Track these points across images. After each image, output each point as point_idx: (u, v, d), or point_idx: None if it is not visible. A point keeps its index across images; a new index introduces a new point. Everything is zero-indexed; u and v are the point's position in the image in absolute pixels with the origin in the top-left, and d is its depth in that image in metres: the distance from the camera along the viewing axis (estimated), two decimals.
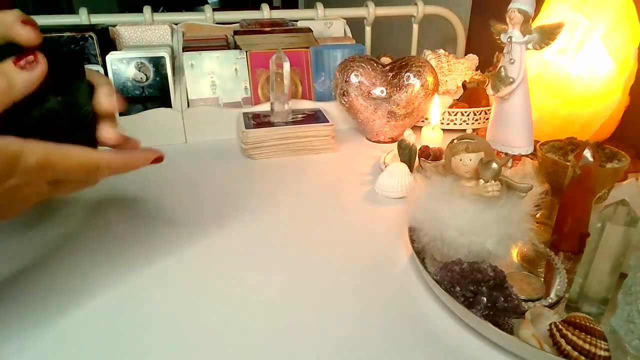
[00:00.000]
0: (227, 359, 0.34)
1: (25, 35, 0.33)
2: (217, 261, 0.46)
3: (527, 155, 0.59)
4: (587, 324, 0.33)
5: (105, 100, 0.38)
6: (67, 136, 0.35)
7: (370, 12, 0.97)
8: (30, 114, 0.34)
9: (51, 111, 0.35)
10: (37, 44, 0.34)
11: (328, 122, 0.72)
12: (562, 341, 0.32)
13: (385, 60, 0.82)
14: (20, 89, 0.33)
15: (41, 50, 0.34)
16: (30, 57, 0.33)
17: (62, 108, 0.36)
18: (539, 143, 0.55)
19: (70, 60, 0.37)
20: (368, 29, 0.99)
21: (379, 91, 0.72)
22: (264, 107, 0.78)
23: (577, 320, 0.33)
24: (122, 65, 0.74)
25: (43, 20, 0.85)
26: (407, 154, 0.62)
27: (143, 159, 0.40)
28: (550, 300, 0.39)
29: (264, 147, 0.71)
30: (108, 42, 0.80)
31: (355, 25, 0.99)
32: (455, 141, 0.41)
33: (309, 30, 0.83)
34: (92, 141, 0.38)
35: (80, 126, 0.37)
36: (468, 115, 0.79)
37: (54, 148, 0.34)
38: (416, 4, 0.99)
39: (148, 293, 0.42)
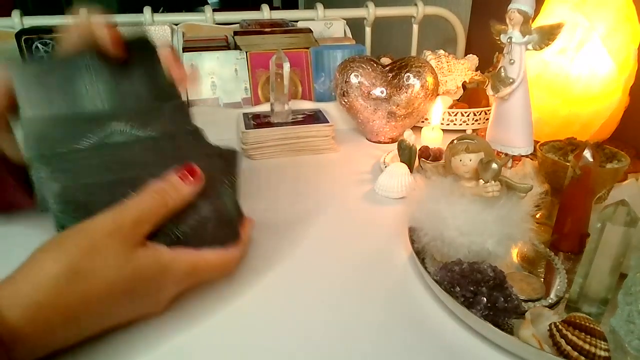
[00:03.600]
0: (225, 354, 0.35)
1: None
2: None
3: (527, 156, 0.59)
4: (587, 324, 0.33)
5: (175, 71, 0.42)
6: (215, 239, 0.38)
7: (370, 12, 0.97)
8: (187, 222, 0.36)
9: (204, 218, 0.37)
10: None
11: (328, 122, 0.72)
12: (562, 341, 0.32)
13: (385, 60, 0.82)
14: (185, 201, 0.36)
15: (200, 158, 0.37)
16: (194, 173, 0.36)
17: (213, 214, 0.38)
18: (539, 143, 0.55)
19: (222, 168, 0.39)
20: (368, 29, 0.99)
21: (379, 91, 0.73)
22: (264, 108, 0.78)
23: (577, 321, 0.33)
24: None
25: (43, 20, 0.85)
26: (407, 154, 0.62)
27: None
28: (550, 301, 0.39)
29: (264, 148, 0.71)
30: None
31: (355, 26, 0.99)
32: (455, 141, 0.41)
33: (309, 30, 0.83)
34: (234, 237, 0.40)
35: (226, 227, 0.39)
36: (468, 115, 0.79)
37: (199, 256, 0.36)
38: (416, 4, 0.99)
39: None
